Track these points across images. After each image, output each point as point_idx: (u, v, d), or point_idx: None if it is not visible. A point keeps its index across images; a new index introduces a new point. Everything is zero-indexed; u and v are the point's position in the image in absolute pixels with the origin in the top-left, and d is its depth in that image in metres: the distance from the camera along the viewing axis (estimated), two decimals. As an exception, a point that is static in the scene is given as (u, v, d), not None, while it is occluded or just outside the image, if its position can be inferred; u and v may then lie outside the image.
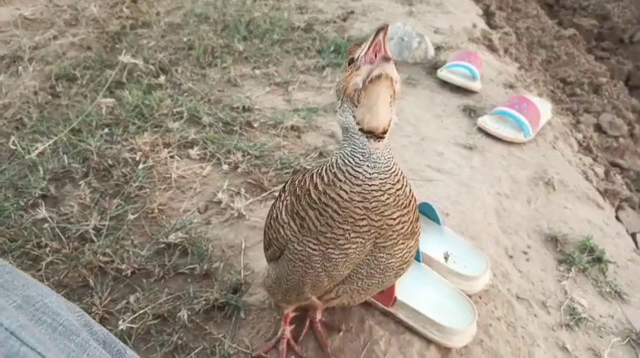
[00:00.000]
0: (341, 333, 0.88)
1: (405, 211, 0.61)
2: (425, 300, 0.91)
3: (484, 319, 0.95)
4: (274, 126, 1.47)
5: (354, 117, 0.56)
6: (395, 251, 0.65)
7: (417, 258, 0.97)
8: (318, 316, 0.89)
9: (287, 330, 0.86)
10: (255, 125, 1.46)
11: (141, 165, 1.24)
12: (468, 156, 1.44)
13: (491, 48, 2.24)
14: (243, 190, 1.22)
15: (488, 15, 2.80)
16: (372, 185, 0.57)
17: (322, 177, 0.60)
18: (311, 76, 1.79)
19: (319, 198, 0.59)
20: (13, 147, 1.35)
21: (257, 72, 1.79)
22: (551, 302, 1.04)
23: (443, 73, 1.79)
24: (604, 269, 1.15)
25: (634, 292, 1.12)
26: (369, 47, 0.55)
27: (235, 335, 0.88)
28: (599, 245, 1.19)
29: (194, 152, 1.32)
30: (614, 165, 1.78)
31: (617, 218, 1.44)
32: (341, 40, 2.01)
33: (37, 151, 1.30)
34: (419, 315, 0.88)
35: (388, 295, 0.89)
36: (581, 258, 1.15)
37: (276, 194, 1.17)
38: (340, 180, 0.58)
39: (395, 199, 0.59)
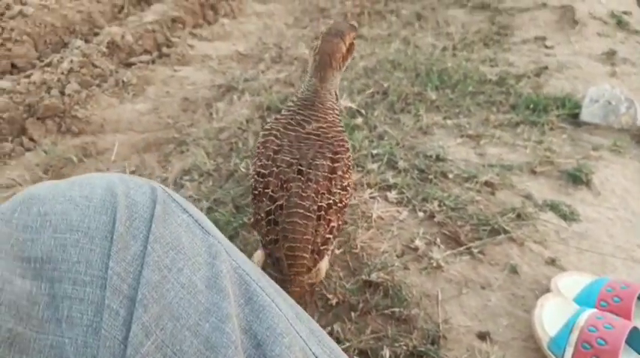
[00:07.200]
0: None
1: None
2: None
3: None
4: (467, 179, 1.47)
5: None
6: None
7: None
8: None
9: None
10: (450, 176, 1.47)
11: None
12: (690, 242, 1.29)
13: None
14: (438, 240, 1.23)
15: None
16: None
17: None
18: (504, 131, 1.76)
19: None
20: (232, 168, 1.55)
21: (448, 122, 1.82)
22: None
23: (657, 144, 1.63)
24: None
25: None
26: None
27: (435, 389, 0.89)
28: None
29: (392, 195, 1.38)
30: None
31: None
32: (536, 97, 1.95)
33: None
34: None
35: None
36: None
37: (475, 250, 1.18)
38: None
39: None
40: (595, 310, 0.95)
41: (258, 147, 0.96)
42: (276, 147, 0.92)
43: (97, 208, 0.47)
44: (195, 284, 0.47)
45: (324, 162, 0.90)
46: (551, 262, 1.18)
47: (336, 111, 1.00)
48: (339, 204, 0.91)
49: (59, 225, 0.46)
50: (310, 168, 0.88)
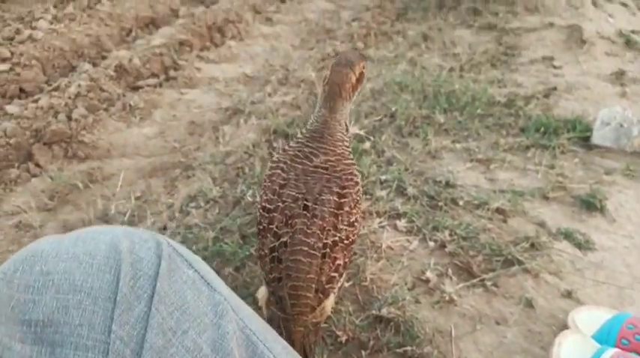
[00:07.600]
0: None
1: None
2: None
3: None
4: (478, 206, 1.44)
5: None
6: None
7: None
8: None
9: None
10: (460, 203, 1.45)
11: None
12: None
13: None
14: (450, 271, 1.20)
15: None
16: None
17: None
18: (514, 155, 1.73)
19: None
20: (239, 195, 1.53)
21: (457, 145, 1.79)
22: None
23: (671, 168, 1.60)
24: None
25: None
26: None
27: None
28: None
29: (401, 224, 1.35)
30: None
31: None
32: (546, 119, 1.93)
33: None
34: None
35: None
36: None
37: (488, 282, 1.14)
38: None
39: None
40: (617, 350, 0.91)
41: (265, 181, 0.94)
42: (282, 181, 0.90)
43: (100, 266, 0.45)
44: (201, 347, 0.44)
45: (331, 198, 0.87)
46: (568, 295, 1.15)
47: (346, 143, 0.98)
48: (346, 241, 0.88)
49: (62, 284, 0.44)
50: (316, 204, 0.86)
